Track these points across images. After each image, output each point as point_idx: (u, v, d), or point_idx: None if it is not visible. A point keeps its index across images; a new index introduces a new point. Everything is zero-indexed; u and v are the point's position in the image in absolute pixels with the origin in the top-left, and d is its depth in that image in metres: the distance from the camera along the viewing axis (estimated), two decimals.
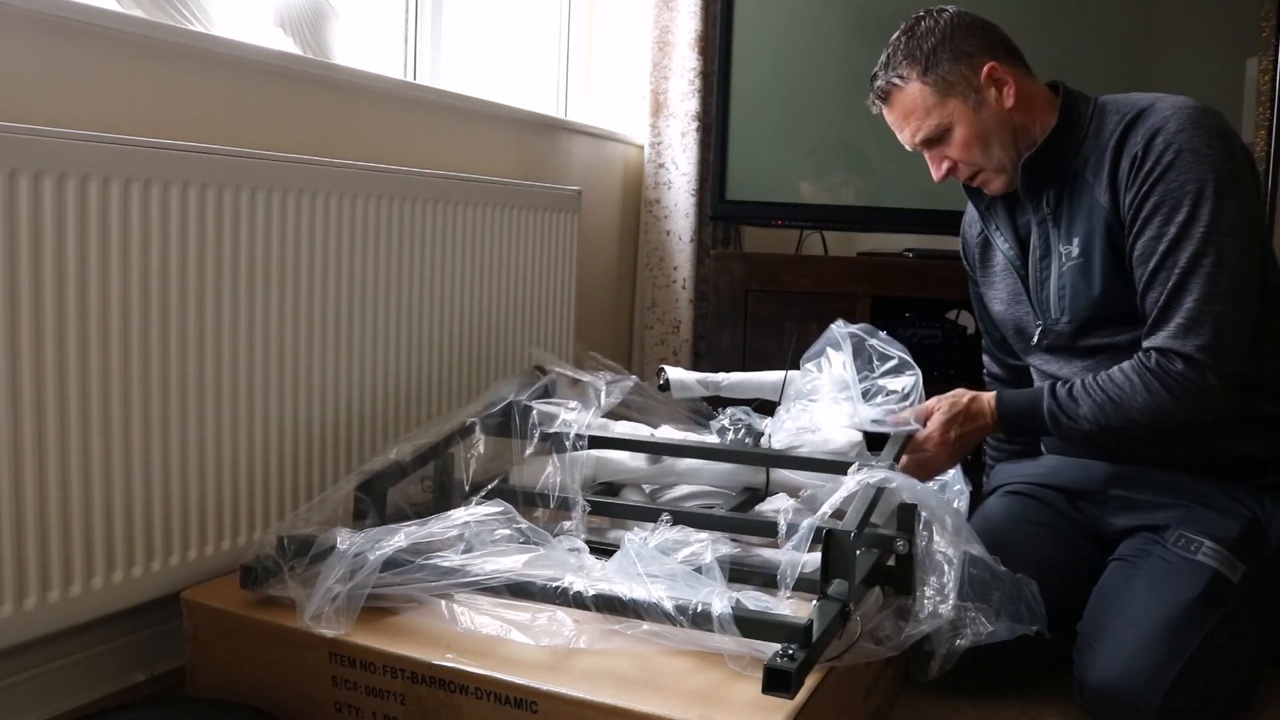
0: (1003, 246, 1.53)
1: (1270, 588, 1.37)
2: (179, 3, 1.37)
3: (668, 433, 1.56)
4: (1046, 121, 1.42)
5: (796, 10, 2.27)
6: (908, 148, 1.49)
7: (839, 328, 1.50)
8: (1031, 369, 1.58)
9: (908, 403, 1.44)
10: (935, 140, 1.44)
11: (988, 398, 1.43)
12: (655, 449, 1.51)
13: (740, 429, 1.47)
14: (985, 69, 1.40)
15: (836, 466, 1.37)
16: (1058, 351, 1.49)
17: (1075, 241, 1.41)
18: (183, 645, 1.23)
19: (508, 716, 1.03)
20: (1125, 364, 1.34)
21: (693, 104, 2.44)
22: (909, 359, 1.46)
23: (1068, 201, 1.42)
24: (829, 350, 1.50)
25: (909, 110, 1.44)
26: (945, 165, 1.46)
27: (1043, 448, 1.63)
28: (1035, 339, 1.50)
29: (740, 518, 1.38)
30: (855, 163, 2.29)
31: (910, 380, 1.44)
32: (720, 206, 2.29)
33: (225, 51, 1.39)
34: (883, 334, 1.48)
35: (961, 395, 1.44)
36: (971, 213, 1.61)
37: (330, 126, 1.58)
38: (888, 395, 1.44)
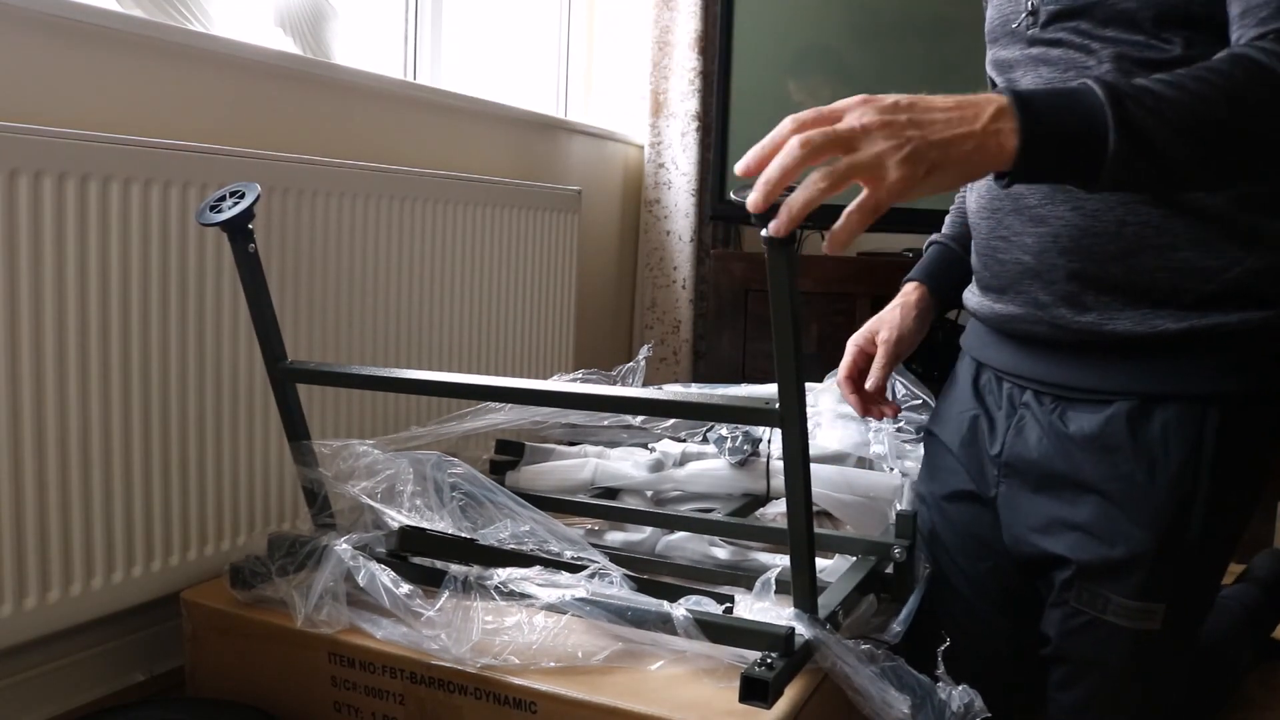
0: None
1: (1202, 587, 1.11)
2: (179, 3, 1.37)
3: (667, 446, 1.56)
4: None
5: (796, 10, 2.27)
6: None
7: None
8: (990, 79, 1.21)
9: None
10: None
11: (983, 98, 0.88)
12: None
13: (738, 437, 1.47)
14: None
15: None
16: (1030, 43, 1.12)
17: None
18: (182, 645, 1.23)
19: (507, 717, 1.03)
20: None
21: (693, 104, 2.44)
22: (930, 399, 1.45)
23: None
24: None
25: None
26: None
27: (969, 303, 1.29)
28: (1018, 24, 1.13)
29: (740, 523, 1.38)
30: None
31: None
32: (720, 206, 2.29)
33: (225, 51, 1.39)
34: (910, 374, 1.48)
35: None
36: None
37: (330, 126, 1.58)
38: (900, 431, 1.45)
